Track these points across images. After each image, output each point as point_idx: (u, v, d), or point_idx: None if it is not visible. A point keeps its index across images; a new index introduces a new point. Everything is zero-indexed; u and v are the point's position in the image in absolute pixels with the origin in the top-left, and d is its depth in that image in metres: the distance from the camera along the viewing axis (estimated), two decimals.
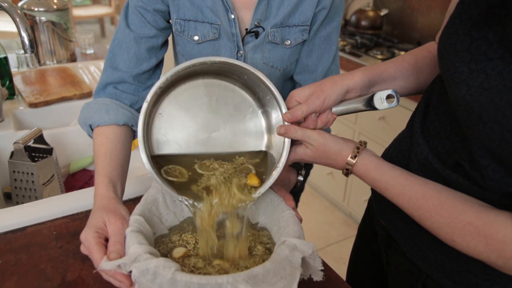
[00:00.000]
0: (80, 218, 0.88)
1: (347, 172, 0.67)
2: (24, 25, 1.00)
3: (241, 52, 0.87)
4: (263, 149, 0.76)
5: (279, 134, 0.70)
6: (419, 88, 0.77)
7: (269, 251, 0.68)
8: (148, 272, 0.53)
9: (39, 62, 1.70)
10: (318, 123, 0.69)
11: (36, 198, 1.08)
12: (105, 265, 0.55)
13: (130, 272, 0.55)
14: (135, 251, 0.56)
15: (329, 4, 0.84)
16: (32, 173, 1.05)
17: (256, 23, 0.85)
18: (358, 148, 0.66)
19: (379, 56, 2.21)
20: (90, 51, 1.97)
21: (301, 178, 0.86)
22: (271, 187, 0.71)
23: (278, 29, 0.85)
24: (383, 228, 0.80)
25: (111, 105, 0.80)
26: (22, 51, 1.58)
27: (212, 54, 0.89)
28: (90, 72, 1.66)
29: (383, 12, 2.58)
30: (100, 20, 5.58)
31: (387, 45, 2.38)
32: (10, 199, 1.14)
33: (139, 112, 0.89)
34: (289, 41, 0.87)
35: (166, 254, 0.66)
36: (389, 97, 0.71)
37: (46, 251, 0.79)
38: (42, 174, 1.07)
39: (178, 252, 0.67)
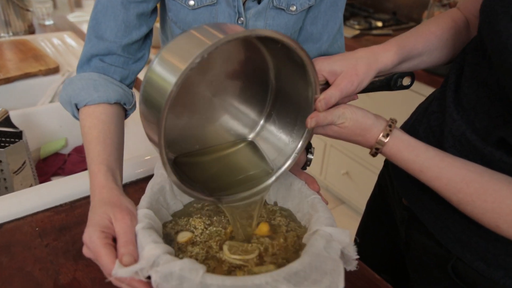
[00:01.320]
0: (65, 210, 0.78)
1: (376, 152, 0.61)
2: None
3: (242, 19, 0.78)
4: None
5: (310, 127, 0.61)
6: (439, 62, 0.72)
7: (292, 220, 0.64)
8: (173, 276, 0.46)
9: None
10: (340, 104, 0.63)
11: (6, 189, 0.95)
12: (120, 272, 0.46)
13: (149, 277, 0.47)
14: (152, 253, 0.48)
15: None
16: (0, 161, 0.93)
17: None
18: (390, 125, 0.60)
19: (357, 27, 2.16)
20: (49, 22, 1.79)
21: (311, 156, 0.80)
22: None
23: None
24: (405, 208, 0.75)
25: (100, 81, 0.70)
26: None
27: (209, 21, 0.79)
28: (54, 45, 1.50)
29: None
30: None
31: (364, 15, 2.33)
32: None
33: (130, 87, 0.78)
34: (294, 7, 0.79)
35: (171, 239, 0.58)
36: (405, 77, 0.66)
37: (31, 251, 0.69)
38: (12, 161, 0.95)
39: (183, 236, 0.59)
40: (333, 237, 0.53)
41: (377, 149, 0.61)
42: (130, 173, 0.86)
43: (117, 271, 0.46)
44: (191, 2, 0.76)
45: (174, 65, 0.47)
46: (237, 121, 0.68)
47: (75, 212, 0.78)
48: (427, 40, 0.67)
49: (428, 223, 0.69)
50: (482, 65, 0.60)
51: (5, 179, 0.95)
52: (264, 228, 0.62)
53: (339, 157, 2.23)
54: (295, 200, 0.64)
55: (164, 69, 0.48)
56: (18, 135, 0.98)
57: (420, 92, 1.67)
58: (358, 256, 0.56)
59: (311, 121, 0.60)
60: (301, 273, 0.47)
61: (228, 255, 0.55)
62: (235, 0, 0.76)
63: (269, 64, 0.63)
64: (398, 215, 0.79)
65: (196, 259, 0.55)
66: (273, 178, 0.64)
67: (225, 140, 0.68)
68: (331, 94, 0.59)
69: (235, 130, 0.68)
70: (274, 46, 0.55)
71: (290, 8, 0.79)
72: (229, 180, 0.64)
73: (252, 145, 0.69)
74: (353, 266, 0.57)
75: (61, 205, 0.79)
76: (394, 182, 0.78)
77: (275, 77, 0.65)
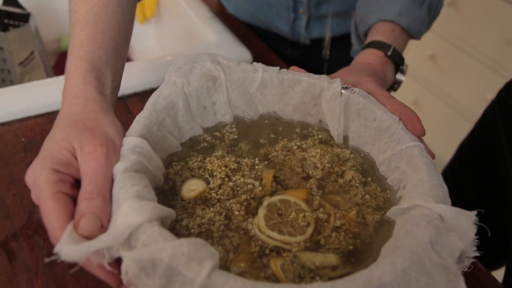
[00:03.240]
0: None
1: None
2: None
3: None
4: None
5: None
6: None
7: (373, 180, 0.41)
8: (157, 269, 0.26)
9: None
10: None
11: (11, 83, 0.79)
12: (69, 250, 0.26)
13: (119, 260, 0.27)
14: (129, 219, 0.28)
15: None
16: (1, 48, 0.75)
17: None
18: None
19: None
20: None
21: (402, 77, 0.55)
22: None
23: None
24: None
25: None
26: None
27: None
28: None
29: None
30: None
31: None
32: None
33: None
34: None
35: (174, 193, 0.38)
36: None
37: (8, 168, 0.52)
38: (16, 49, 0.76)
39: (191, 188, 0.38)
40: (447, 224, 0.30)
41: None
42: (148, 78, 0.65)
43: (61, 248, 0.26)
44: None
45: None
46: None
47: None
48: None
49: None
50: None
51: (8, 70, 0.77)
52: (300, 195, 0.40)
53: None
54: (381, 146, 0.41)
55: None
56: (25, 18, 0.78)
57: None
58: (477, 254, 0.33)
59: None
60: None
61: (263, 228, 0.34)
62: None
63: None
64: (509, 185, 0.54)
65: (209, 231, 0.34)
66: None
67: None
68: None
69: None
70: None
71: None
72: None
73: None
74: (465, 265, 0.34)
75: (57, 111, 0.61)
76: (502, 135, 0.53)
77: None
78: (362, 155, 0.43)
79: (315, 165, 0.42)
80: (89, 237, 0.28)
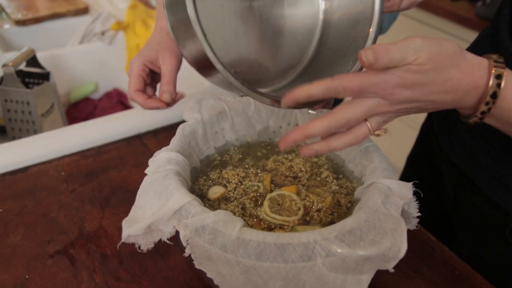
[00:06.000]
0: (92, 155, 0.73)
1: (492, 97, 0.39)
2: None
3: None
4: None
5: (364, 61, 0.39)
6: None
7: (342, 174, 0.56)
8: (205, 230, 0.39)
9: None
10: None
11: (35, 132, 0.92)
12: (133, 229, 0.40)
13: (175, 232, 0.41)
14: (182, 199, 0.41)
15: None
16: (27, 102, 0.88)
17: None
18: (498, 62, 0.40)
19: None
20: None
21: None
22: None
23: None
24: (454, 166, 0.65)
25: None
26: None
27: None
28: None
29: None
30: None
31: None
32: (4, 133, 0.98)
33: None
34: None
35: (202, 197, 0.51)
36: None
37: (56, 196, 0.65)
38: (40, 103, 0.90)
39: (215, 192, 0.52)
40: (392, 191, 0.45)
41: (492, 96, 0.39)
42: (161, 119, 0.80)
43: (128, 232, 0.40)
44: None
45: None
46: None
47: (102, 158, 0.73)
48: None
49: (482, 183, 0.59)
50: None
51: (33, 121, 0.91)
52: (291, 190, 0.54)
53: None
54: (347, 149, 0.55)
55: None
56: (46, 76, 0.93)
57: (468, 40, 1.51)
58: (419, 214, 0.48)
59: (367, 56, 0.39)
60: (356, 231, 0.40)
61: (268, 212, 0.48)
62: None
63: None
64: (446, 173, 0.69)
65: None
66: None
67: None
68: None
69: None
70: None
71: None
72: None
73: None
74: (413, 225, 0.49)
75: (88, 150, 0.74)
76: (440, 138, 0.68)
77: None
78: (334, 161, 0.58)
79: (300, 169, 0.57)
80: (169, 104, 0.58)
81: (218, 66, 0.42)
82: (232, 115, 0.57)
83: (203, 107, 0.57)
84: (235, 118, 0.58)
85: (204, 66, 0.43)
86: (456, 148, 0.64)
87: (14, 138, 0.93)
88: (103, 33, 1.11)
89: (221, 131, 0.57)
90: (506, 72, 0.39)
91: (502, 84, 0.39)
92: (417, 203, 0.47)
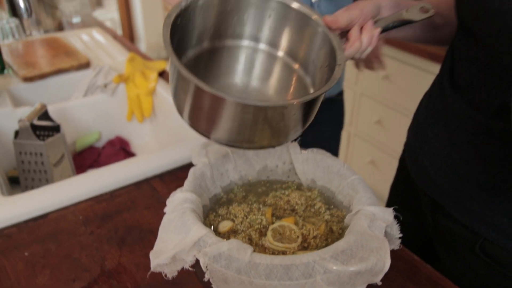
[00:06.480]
0: (106, 200, 0.80)
1: None
2: None
3: None
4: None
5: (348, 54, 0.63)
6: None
7: (333, 205, 0.64)
8: (221, 257, 0.47)
9: (24, 32, 1.56)
10: (363, 37, 0.64)
11: (47, 181, 0.99)
12: (160, 260, 0.48)
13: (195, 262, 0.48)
14: (199, 232, 0.49)
15: None
16: (41, 154, 0.96)
17: None
18: None
19: None
20: (76, 20, 1.83)
21: None
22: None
23: None
24: (425, 193, 0.75)
25: None
26: (5, 21, 1.44)
27: None
28: (83, 41, 1.53)
29: None
30: None
31: None
32: (16, 183, 1.05)
33: None
34: None
35: (214, 229, 0.59)
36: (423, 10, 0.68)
37: (76, 238, 0.71)
38: (52, 153, 0.98)
39: (224, 226, 0.60)
40: (376, 216, 0.53)
41: None
42: (166, 162, 0.88)
43: (156, 262, 0.47)
44: None
45: None
46: None
47: (115, 201, 0.80)
48: None
49: (449, 207, 0.68)
50: (468, 44, 0.62)
51: (45, 171, 0.98)
52: (290, 221, 0.62)
53: (363, 146, 2.21)
54: (335, 182, 0.64)
55: None
56: (56, 129, 1.01)
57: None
58: (401, 235, 0.56)
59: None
60: (348, 251, 0.47)
61: (271, 241, 0.56)
62: None
63: None
64: (423, 200, 0.78)
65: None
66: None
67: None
68: (337, 13, 0.64)
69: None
70: None
71: None
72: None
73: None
74: (396, 245, 0.57)
75: (101, 195, 0.81)
76: (410, 168, 0.78)
77: None
78: (325, 194, 0.67)
79: (296, 203, 0.65)
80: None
81: (207, 88, 0.51)
82: (234, 157, 0.66)
83: (209, 151, 0.65)
84: (237, 160, 0.66)
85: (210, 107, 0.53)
86: (422, 178, 0.74)
87: (27, 187, 1.00)
88: (105, 85, 1.20)
89: (225, 172, 0.66)
90: None
91: None
92: (399, 226, 0.55)
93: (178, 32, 0.59)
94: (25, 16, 0.90)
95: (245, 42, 0.70)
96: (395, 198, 0.95)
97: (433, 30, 0.76)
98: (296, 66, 0.70)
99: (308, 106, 0.56)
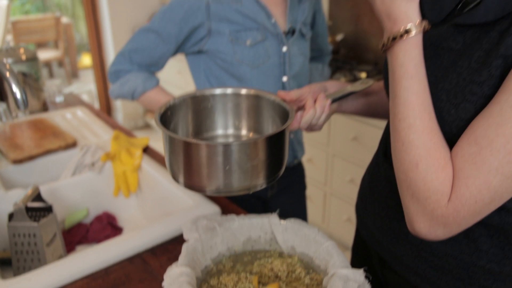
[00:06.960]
0: (101, 276, 0.86)
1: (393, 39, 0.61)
2: (15, 80, 0.98)
3: (285, 47, 1.16)
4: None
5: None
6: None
7: (312, 269, 0.72)
8: None
9: (11, 115, 1.64)
10: (316, 106, 0.81)
11: (39, 261, 1.03)
12: None
13: None
14: None
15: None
16: (34, 235, 1.01)
17: (291, 24, 1.17)
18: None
19: (343, 79, 2.32)
20: (59, 99, 1.92)
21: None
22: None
23: (303, 26, 1.21)
24: (374, 251, 0.84)
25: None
26: None
27: (264, 54, 1.13)
28: (67, 120, 1.61)
29: (339, 37, 2.71)
30: (47, 64, 5.41)
31: (347, 68, 2.50)
32: (6, 264, 1.08)
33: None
34: (307, 35, 1.24)
35: None
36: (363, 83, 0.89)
37: None
38: (45, 234, 1.02)
39: None
40: (349, 277, 0.62)
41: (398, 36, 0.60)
42: (156, 236, 0.94)
43: None
44: (248, 42, 1.10)
45: None
46: None
47: (110, 278, 0.85)
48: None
49: (390, 261, 0.78)
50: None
51: (38, 251, 1.02)
52: (275, 287, 0.70)
53: (339, 204, 2.31)
54: (312, 248, 0.73)
55: None
56: (49, 209, 1.06)
57: None
58: None
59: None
60: None
61: None
62: (279, 35, 1.15)
63: None
64: (373, 257, 0.87)
65: None
66: None
67: None
68: (289, 91, 0.81)
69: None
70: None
71: (306, 36, 1.24)
72: None
73: None
74: None
75: (96, 272, 0.87)
76: (359, 227, 0.89)
77: None
78: (304, 260, 0.75)
79: (279, 269, 0.73)
80: None
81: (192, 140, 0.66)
82: (221, 231, 0.74)
83: (199, 227, 0.73)
84: (224, 233, 0.74)
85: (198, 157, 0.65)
86: (369, 237, 0.84)
87: (19, 268, 1.03)
88: (93, 164, 1.28)
89: (214, 245, 0.73)
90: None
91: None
92: (370, 285, 0.64)
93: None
94: (22, 107, 0.99)
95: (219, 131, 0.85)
96: (355, 256, 1.03)
97: (374, 94, 0.93)
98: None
99: (269, 145, 0.67)
